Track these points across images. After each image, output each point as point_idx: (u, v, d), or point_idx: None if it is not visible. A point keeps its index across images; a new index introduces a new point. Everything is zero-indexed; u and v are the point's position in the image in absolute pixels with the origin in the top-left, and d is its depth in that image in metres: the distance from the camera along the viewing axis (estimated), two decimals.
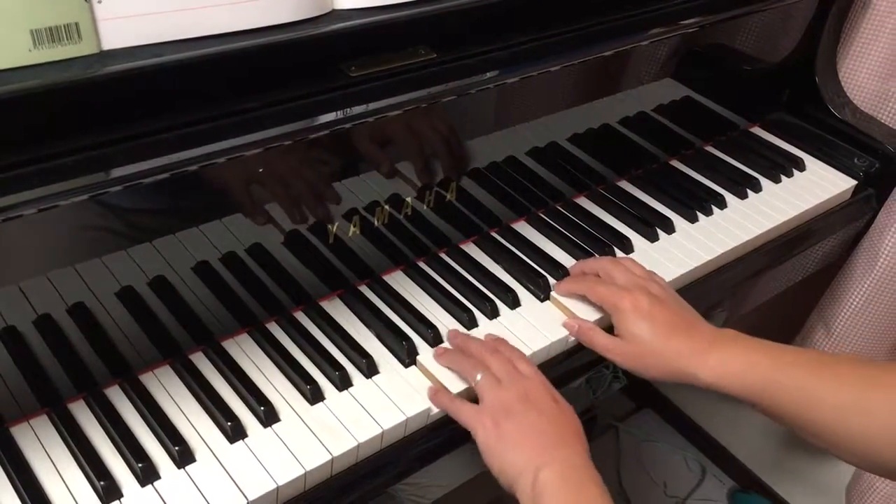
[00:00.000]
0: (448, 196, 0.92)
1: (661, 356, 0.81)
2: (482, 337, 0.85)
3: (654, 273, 0.91)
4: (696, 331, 0.83)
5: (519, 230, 1.00)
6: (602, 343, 0.84)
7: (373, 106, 0.76)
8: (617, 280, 0.88)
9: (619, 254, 0.99)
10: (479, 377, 0.77)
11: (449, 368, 0.80)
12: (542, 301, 0.91)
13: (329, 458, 0.71)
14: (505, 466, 0.72)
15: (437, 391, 0.78)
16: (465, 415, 0.76)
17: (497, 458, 0.73)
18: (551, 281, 0.93)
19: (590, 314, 0.89)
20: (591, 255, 0.97)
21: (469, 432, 0.76)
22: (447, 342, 0.84)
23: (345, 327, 0.83)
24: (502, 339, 0.84)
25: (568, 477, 0.71)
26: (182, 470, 0.69)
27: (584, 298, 0.90)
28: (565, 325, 0.87)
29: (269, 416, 0.74)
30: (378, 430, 0.74)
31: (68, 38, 0.62)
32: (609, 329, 0.86)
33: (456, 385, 0.79)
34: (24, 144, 0.62)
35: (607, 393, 1.05)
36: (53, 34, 0.61)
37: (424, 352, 0.83)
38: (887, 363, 0.78)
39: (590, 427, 1.57)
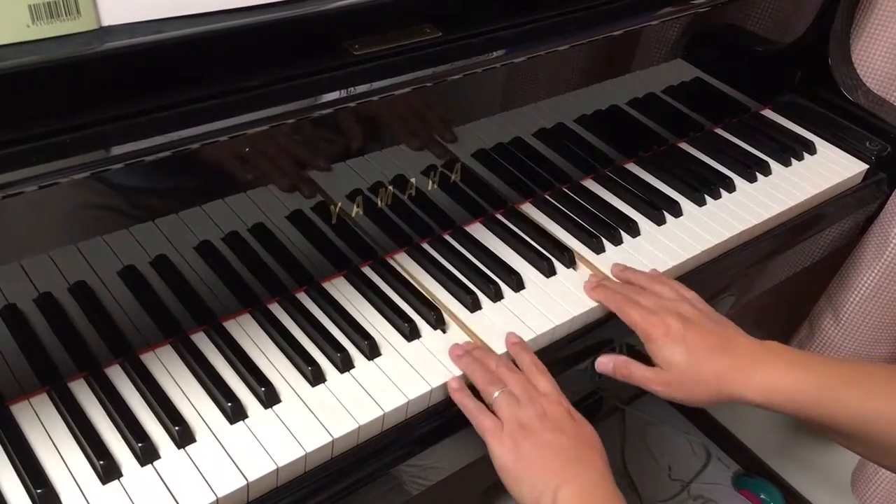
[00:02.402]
0: (453, 177, 0.92)
1: (701, 381, 0.79)
2: (493, 319, 0.84)
3: (684, 287, 0.87)
4: (735, 347, 0.80)
5: (524, 212, 0.99)
6: (640, 376, 0.82)
7: (376, 85, 0.75)
8: (646, 302, 0.84)
9: (626, 237, 0.98)
10: (496, 394, 0.75)
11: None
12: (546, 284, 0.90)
13: (330, 439, 0.71)
14: (524, 488, 0.71)
15: (460, 389, 0.77)
16: (484, 426, 0.74)
17: (515, 480, 0.72)
18: (556, 264, 0.92)
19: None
20: (597, 237, 0.96)
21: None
22: (462, 352, 0.81)
23: (347, 309, 0.83)
24: (523, 346, 0.82)
25: (586, 495, 0.69)
26: (182, 450, 0.69)
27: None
28: (598, 365, 0.85)
29: (269, 396, 0.73)
30: (379, 413, 0.74)
31: (67, 14, 0.61)
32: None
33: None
34: (23, 121, 0.61)
35: (612, 377, 1.04)
36: (52, 9, 0.60)
37: (427, 334, 0.82)
38: None
39: (595, 410, 1.57)
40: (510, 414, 0.74)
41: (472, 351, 0.80)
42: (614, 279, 0.91)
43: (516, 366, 0.80)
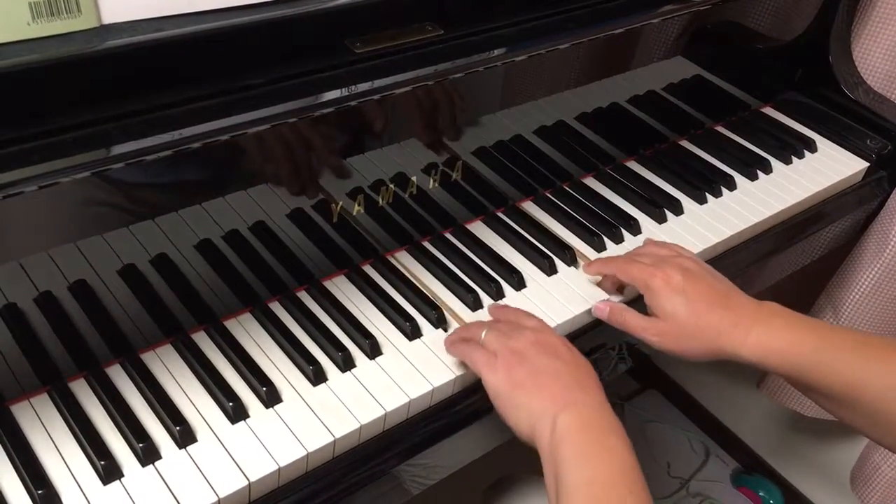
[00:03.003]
0: (454, 175, 0.91)
1: (698, 334, 0.78)
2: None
3: (683, 248, 0.88)
4: (734, 304, 0.79)
5: (525, 210, 0.99)
6: (635, 323, 0.81)
7: (378, 83, 0.75)
8: (645, 259, 0.84)
9: (627, 235, 0.98)
10: (484, 333, 0.75)
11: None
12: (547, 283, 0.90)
13: (331, 439, 0.71)
14: (521, 414, 0.69)
15: (453, 342, 0.77)
16: (476, 358, 0.73)
17: (511, 406, 0.70)
18: (557, 262, 0.92)
19: (599, 295, 0.88)
20: (599, 235, 0.96)
21: (473, 415, 0.75)
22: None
23: (348, 308, 0.83)
24: (505, 305, 0.82)
25: (586, 422, 0.68)
26: (183, 450, 0.69)
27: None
28: (595, 310, 0.85)
29: (271, 396, 0.73)
30: (381, 412, 0.74)
31: (67, 12, 0.60)
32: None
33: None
34: (23, 120, 0.61)
35: (613, 374, 1.05)
36: (52, 7, 0.60)
37: (428, 333, 0.82)
38: None
39: None
40: (502, 345, 0.73)
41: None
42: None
43: None
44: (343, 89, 0.74)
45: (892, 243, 1.15)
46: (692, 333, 0.78)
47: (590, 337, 0.88)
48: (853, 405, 0.76)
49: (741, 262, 1.03)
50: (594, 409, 0.69)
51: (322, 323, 0.81)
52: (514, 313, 0.80)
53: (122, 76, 0.65)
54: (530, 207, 1.00)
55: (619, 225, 0.98)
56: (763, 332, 0.77)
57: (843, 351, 0.76)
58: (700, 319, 0.78)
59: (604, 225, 0.98)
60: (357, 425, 0.72)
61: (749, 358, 0.77)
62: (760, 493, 1.61)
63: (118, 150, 0.64)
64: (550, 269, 0.91)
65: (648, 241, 0.91)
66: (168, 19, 0.65)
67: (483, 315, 0.85)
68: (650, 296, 0.81)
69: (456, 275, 0.88)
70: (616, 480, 0.65)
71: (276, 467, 0.68)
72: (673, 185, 1.06)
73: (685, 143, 1.15)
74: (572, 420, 0.67)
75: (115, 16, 0.63)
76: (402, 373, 0.77)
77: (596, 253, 0.95)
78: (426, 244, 0.92)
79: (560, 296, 0.88)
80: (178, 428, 0.69)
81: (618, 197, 1.03)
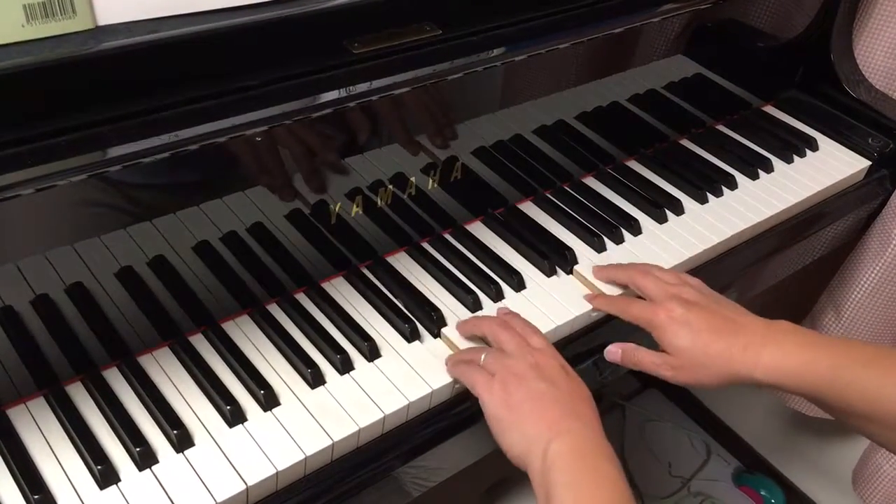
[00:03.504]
0: (453, 175, 0.91)
1: (710, 363, 0.77)
2: None
3: (687, 275, 0.87)
4: (741, 327, 0.79)
5: (525, 211, 0.99)
6: (649, 361, 0.81)
7: (376, 84, 0.75)
8: (647, 291, 0.84)
9: (627, 235, 0.97)
10: (483, 356, 0.75)
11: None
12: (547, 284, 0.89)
13: (330, 443, 0.70)
14: (515, 439, 0.70)
15: (450, 357, 0.77)
16: (474, 379, 0.73)
17: (506, 429, 0.70)
18: (557, 263, 0.91)
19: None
20: (599, 236, 0.95)
21: (472, 418, 0.75)
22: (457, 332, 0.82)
23: (346, 309, 0.82)
24: (513, 312, 0.82)
25: (579, 450, 0.68)
26: (181, 454, 0.68)
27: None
28: (607, 354, 0.84)
29: (269, 399, 0.72)
30: (380, 415, 0.73)
31: (62, 13, 0.60)
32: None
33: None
34: (18, 123, 0.60)
35: (615, 374, 1.04)
36: (47, 9, 0.59)
37: (427, 335, 0.82)
38: None
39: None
40: (501, 366, 0.73)
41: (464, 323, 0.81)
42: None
43: None
44: (341, 90, 0.73)
45: (894, 242, 1.15)
46: (703, 363, 0.78)
47: (590, 338, 0.87)
48: (876, 420, 0.75)
49: (742, 263, 1.03)
50: (587, 438, 0.69)
51: (320, 325, 0.80)
52: (521, 324, 0.80)
53: (118, 78, 0.64)
54: (530, 208, 0.99)
55: (619, 225, 0.97)
56: (776, 353, 0.76)
57: (860, 366, 0.75)
58: (709, 349, 0.78)
59: (604, 225, 0.97)
60: (356, 428, 0.72)
61: (763, 380, 0.77)
62: (762, 493, 1.60)
63: (115, 152, 0.64)
64: (550, 271, 0.90)
65: (651, 268, 0.88)
66: (164, 20, 0.64)
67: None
68: (657, 333, 0.81)
69: (455, 276, 0.88)
70: None
71: (274, 471, 0.68)
72: (674, 185, 1.05)
73: (686, 143, 1.14)
74: (565, 447, 0.67)
75: (111, 17, 0.62)
76: (401, 375, 0.77)
77: (596, 254, 0.94)
78: (425, 245, 0.91)
79: (560, 297, 0.88)
80: (175, 432, 0.69)
81: (618, 197, 1.03)
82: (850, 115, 1.18)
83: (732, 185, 1.07)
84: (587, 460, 0.68)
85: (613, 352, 0.84)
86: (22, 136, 0.60)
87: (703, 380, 0.79)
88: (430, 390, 0.76)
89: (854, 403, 0.75)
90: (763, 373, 0.76)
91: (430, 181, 0.89)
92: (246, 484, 0.66)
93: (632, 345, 0.83)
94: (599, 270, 0.90)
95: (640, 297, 0.86)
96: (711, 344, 0.78)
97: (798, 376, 0.76)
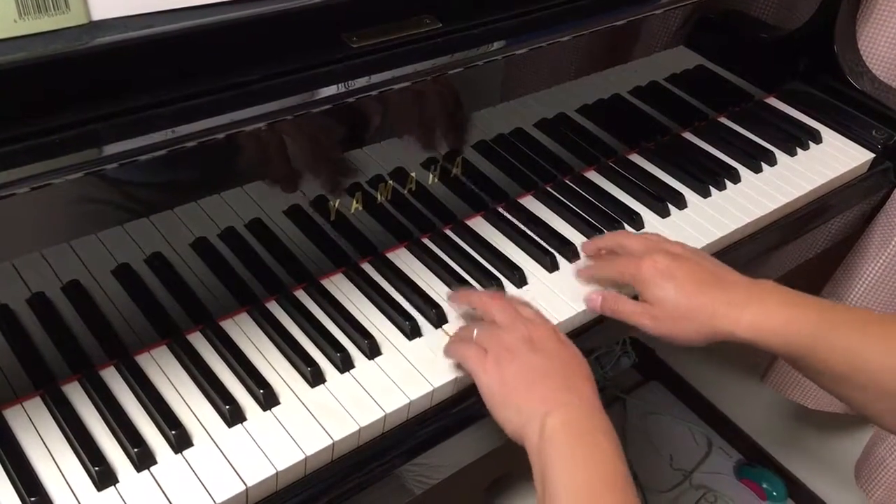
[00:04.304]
0: (453, 170, 0.90)
1: (692, 315, 0.76)
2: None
3: (666, 238, 0.87)
4: (726, 283, 0.78)
5: (526, 205, 0.98)
6: (629, 309, 0.80)
7: (375, 79, 0.74)
8: (632, 248, 0.83)
9: (629, 229, 0.96)
10: (476, 331, 0.74)
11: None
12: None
13: (330, 442, 0.70)
14: (510, 414, 0.69)
15: (451, 340, 0.77)
16: (467, 354, 0.73)
17: (501, 405, 0.70)
18: (559, 258, 0.90)
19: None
20: (601, 230, 0.94)
21: (474, 416, 0.74)
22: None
23: (346, 307, 0.81)
24: (502, 293, 0.82)
25: (575, 424, 0.67)
26: (179, 455, 0.67)
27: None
28: (587, 301, 0.83)
29: (268, 399, 0.72)
30: (380, 414, 0.72)
31: (55, 8, 0.59)
32: None
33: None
34: (11, 120, 0.59)
35: (617, 369, 1.04)
36: (40, 3, 0.59)
37: (428, 332, 0.81)
38: None
39: None
40: (494, 340, 0.72)
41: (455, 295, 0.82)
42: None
43: None
44: (340, 85, 0.72)
45: None
46: (685, 315, 0.77)
47: (593, 333, 0.86)
48: (852, 382, 0.74)
49: (745, 257, 1.02)
50: (583, 411, 0.68)
51: (320, 323, 0.79)
52: (511, 298, 0.79)
53: (114, 74, 0.64)
54: (531, 202, 0.98)
55: (621, 219, 0.97)
56: (759, 310, 0.75)
57: (842, 327, 0.74)
58: (692, 300, 0.77)
59: (606, 219, 0.96)
60: (356, 428, 0.71)
61: (744, 337, 0.75)
62: (763, 485, 1.61)
63: (111, 149, 0.63)
64: (552, 266, 0.89)
65: (629, 235, 0.88)
66: (159, 15, 0.63)
67: None
68: (640, 285, 0.80)
69: (457, 272, 0.87)
70: (603, 483, 0.64)
71: (273, 471, 0.67)
72: (676, 179, 1.04)
73: (688, 136, 1.13)
74: (560, 422, 0.66)
75: (105, 12, 0.61)
76: (402, 373, 0.76)
77: None
78: (426, 241, 0.90)
79: (562, 292, 0.87)
80: (173, 432, 0.68)
81: (620, 191, 1.02)
82: (853, 107, 1.17)
83: (735, 178, 1.06)
84: (582, 435, 0.67)
85: (594, 299, 0.83)
86: (16, 133, 0.60)
87: (682, 333, 0.78)
88: (431, 388, 0.75)
89: (833, 364, 0.74)
90: (745, 330, 0.75)
91: (431, 176, 0.88)
92: (245, 484, 0.66)
93: (613, 293, 0.83)
94: (587, 243, 0.89)
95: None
96: (695, 296, 0.76)
97: (779, 335, 0.75)
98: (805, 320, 0.75)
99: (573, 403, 0.68)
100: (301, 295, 0.82)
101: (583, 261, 0.91)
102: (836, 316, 0.76)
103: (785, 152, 1.12)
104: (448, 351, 0.77)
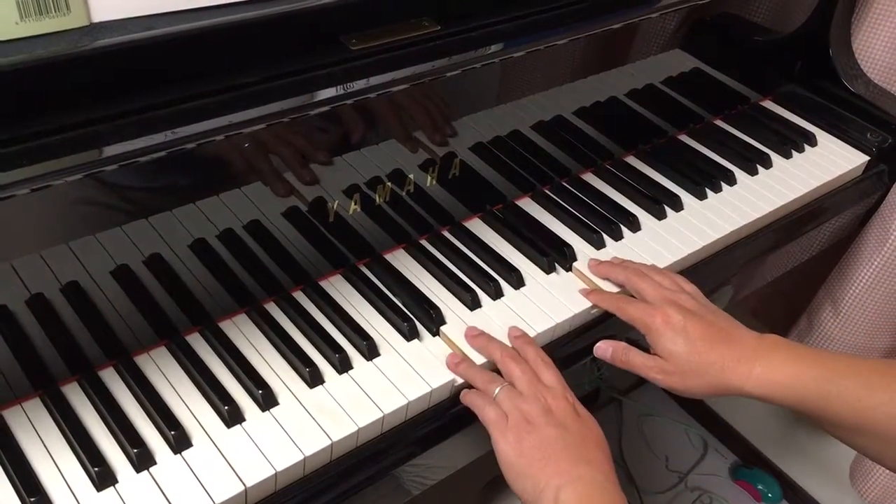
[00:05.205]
0: (451, 172, 0.90)
1: (701, 372, 0.78)
2: (493, 317, 0.83)
3: (684, 280, 0.87)
4: (735, 340, 0.79)
5: (523, 207, 0.98)
6: (639, 362, 0.81)
7: (374, 81, 0.74)
8: (645, 294, 0.84)
9: (626, 231, 0.97)
10: (497, 391, 0.75)
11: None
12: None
13: (328, 443, 0.70)
14: (526, 485, 0.70)
15: (458, 363, 0.77)
16: (489, 417, 0.73)
17: (518, 476, 0.71)
18: (556, 260, 0.91)
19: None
20: (598, 232, 0.95)
21: (471, 417, 0.74)
22: (465, 339, 0.81)
23: (345, 308, 0.82)
24: (527, 339, 0.81)
25: (589, 497, 0.68)
26: (178, 455, 0.68)
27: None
28: (597, 350, 0.84)
29: (267, 399, 0.72)
30: (379, 415, 0.73)
31: (56, 10, 0.59)
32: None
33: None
34: (12, 122, 0.60)
35: (612, 371, 1.04)
36: (41, 5, 0.59)
37: (426, 333, 0.81)
38: None
39: (592, 400, 1.57)
40: (514, 407, 0.73)
41: (473, 340, 0.80)
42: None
43: None
44: (339, 87, 0.73)
45: (893, 237, 1.15)
46: (695, 371, 0.79)
47: (590, 335, 0.87)
48: (864, 432, 0.76)
49: (741, 259, 1.03)
50: (597, 485, 0.69)
51: (318, 324, 0.80)
52: (533, 354, 0.79)
53: (114, 76, 0.63)
54: (529, 204, 0.99)
55: (618, 221, 0.97)
56: (766, 366, 0.77)
57: (848, 378, 0.76)
58: (702, 358, 0.78)
59: (603, 222, 0.97)
60: (355, 428, 0.71)
61: (754, 392, 0.77)
62: (759, 487, 1.61)
63: (111, 151, 0.63)
64: (549, 268, 0.90)
65: (650, 271, 0.88)
66: (159, 17, 0.63)
67: (482, 315, 0.84)
68: (652, 337, 0.81)
69: (454, 274, 0.87)
70: None
71: (272, 472, 0.67)
72: (672, 181, 1.05)
73: (684, 138, 1.14)
74: (574, 495, 0.68)
75: (105, 14, 0.62)
76: (400, 374, 0.76)
77: (595, 250, 0.94)
78: (424, 243, 0.91)
79: (559, 294, 0.87)
80: (172, 432, 0.68)
81: (617, 193, 1.02)
82: (848, 110, 1.18)
83: (731, 180, 1.06)
84: None
85: (603, 349, 0.84)
86: (16, 135, 0.60)
87: (692, 387, 0.79)
88: (429, 389, 0.76)
89: (842, 415, 0.75)
90: (753, 385, 0.77)
91: (429, 178, 0.89)
92: (244, 485, 0.66)
93: (623, 344, 0.83)
94: (597, 266, 0.90)
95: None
96: (706, 353, 0.78)
97: (786, 388, 0.76)
98: (810, 373, 0.76)
99: (588, 477, 0.70)
100: (299, 296, 0.83)
101: (581, 263, 0.91)
102: (841, 367, 0.77)
103: (780, 155, 1.12)
104: (467, 401, 0.77)
